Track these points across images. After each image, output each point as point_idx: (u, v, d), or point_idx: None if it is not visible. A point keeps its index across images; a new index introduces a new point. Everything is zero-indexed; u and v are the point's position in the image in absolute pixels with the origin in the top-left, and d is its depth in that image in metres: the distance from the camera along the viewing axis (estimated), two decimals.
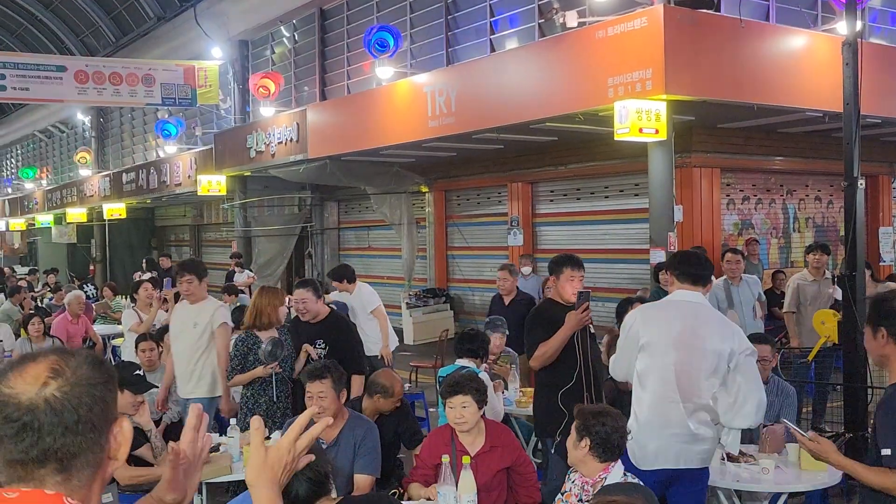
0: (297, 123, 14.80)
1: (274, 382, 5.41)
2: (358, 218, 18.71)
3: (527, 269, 11.26)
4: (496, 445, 4.13)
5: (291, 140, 15.00)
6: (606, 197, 13.05)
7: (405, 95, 12.40)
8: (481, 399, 4.11)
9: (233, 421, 4.84)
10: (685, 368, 4.06)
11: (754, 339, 4.73)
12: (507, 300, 8.51)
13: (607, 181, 12.96)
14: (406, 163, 15.47)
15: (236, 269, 15.23)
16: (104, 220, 24.28)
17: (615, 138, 9.17)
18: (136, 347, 6.59)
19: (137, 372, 5.01)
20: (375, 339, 8.44)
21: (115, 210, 22.80)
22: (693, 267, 4.29)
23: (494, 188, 14.98)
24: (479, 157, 14.44)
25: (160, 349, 6.71)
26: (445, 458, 3.73)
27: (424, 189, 16.19)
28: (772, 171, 12.50)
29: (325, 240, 19.40)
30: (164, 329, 7.12)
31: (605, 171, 12.73)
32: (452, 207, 16.10)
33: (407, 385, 8.39)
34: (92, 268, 26.27)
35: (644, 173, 12.05)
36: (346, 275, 8.60)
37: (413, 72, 12.83)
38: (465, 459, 3.72)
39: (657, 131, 9.05)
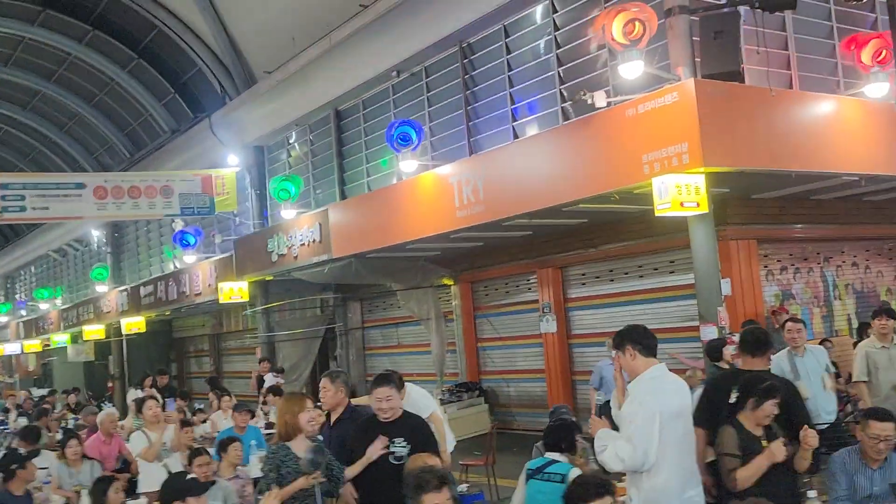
0: (319, 224, 14.70)
1: (317, 494, 5.03)
2: (382, 316, 18.44)
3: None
4: None
5: (314, 241, 14.87)
6: (641, 276, 12.80)
7: (430, 187, 12.31)
8: None
9: None
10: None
11: (874, 415, 4.59)
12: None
13: (641, 260, 12.74)
14: (431, 256, 15.30)
15: (272, 373, 14.86)
16: (122, 336, 24.04)
17: (656, 214, 8.99)
18: (191, 464, 6.26)
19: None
20: None
21: (134, 324, 22.59)
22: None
23: (523, 275, 14.76)
24: (506, 246, 14.27)
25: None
26: None
27: (449, 282, 15.97)
28: (808, 239, 12.28)
29: (349, 340, 19.08)
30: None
31: (638, 250, 12.53)
32: (480, 298, 15.85)
33: (464, 486, 7.97)
34: (110, 385, 25.88)
35: (679, 249, 11.94)
36: (393, 381, 8.26)
37: (436, 164, 12.78)
38: None
39: (698, 204, 8.86)
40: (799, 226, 12.05)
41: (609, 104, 9.72)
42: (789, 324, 7.67)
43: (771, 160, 9.19)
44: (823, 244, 12.51)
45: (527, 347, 14.59)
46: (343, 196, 16.24)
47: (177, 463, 7.35)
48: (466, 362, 15.89)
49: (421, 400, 8.65)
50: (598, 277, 13.53)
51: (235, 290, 17.35)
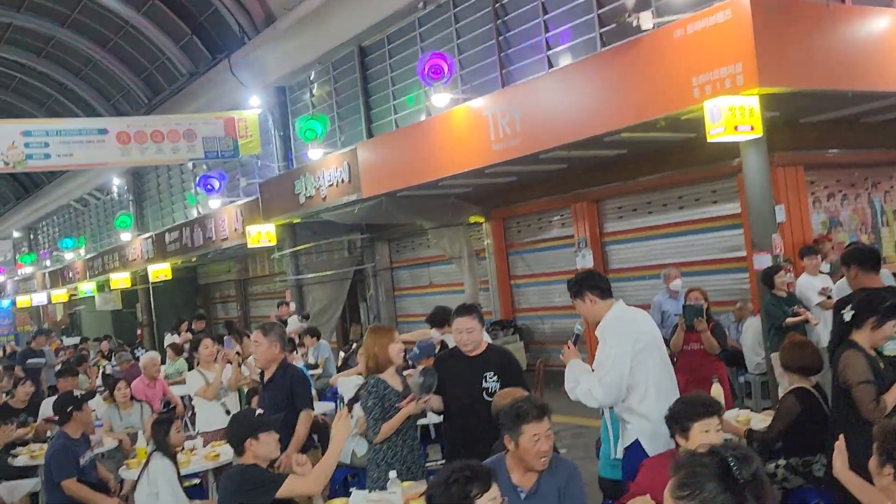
0: (348, 163, 14.42)
1: (416, 426, 4.87)
2: (411, 256, 18.24)
3: (677, 283, 10.50)
4: None
5: (343, 181, 14.61)
6: (681, 208, 12.47)
7: (464, 121, 11.97)
8: None
9: (392, 474, 4.29)
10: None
11: None
12: None
13: (681, 191, 12.40)
14: (462, 193, 15.01)
15: (296, 316, 14.69)
16: (148, 284, 24.02)
17: (708, 140, 8.65)
18: (250, 403, 6.14)
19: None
20: None
21: (160, 271, 22.51)
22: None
23: (556, 211, 14.46)
24: (540, 180, 13.94)
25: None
26: None
27: (480, 219, 15.70)
28: (855, 164, 11.89)
29: (378, 281, 18.92)
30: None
31: (678, 180, 12.18)
32: (512, 235, 15.59)
33: None
34: (139, 332, 25.98)
35: (723, 178, 11.63)
36: (446, 318, 8.06)
37: (468, 97, 12.41)
38: None
39: (752, 128, 8.51)
40: (846, 151, 11.64)
41: (655, 26, 9.32)
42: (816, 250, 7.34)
43: (828, 79, 8.78)
44: (871, 169, 12.12)
45: (563, 284, 14.23)
46: (370, 135, 15.91)
47: (234, 402, 7.23)
48: (500, 300, 15.70)
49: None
50: (635, 210, 13.22)
51: (263, 234, 17.16)
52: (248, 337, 13.29)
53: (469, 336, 5.03)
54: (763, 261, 8.98)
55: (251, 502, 3.82)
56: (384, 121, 15.62)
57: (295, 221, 17.05)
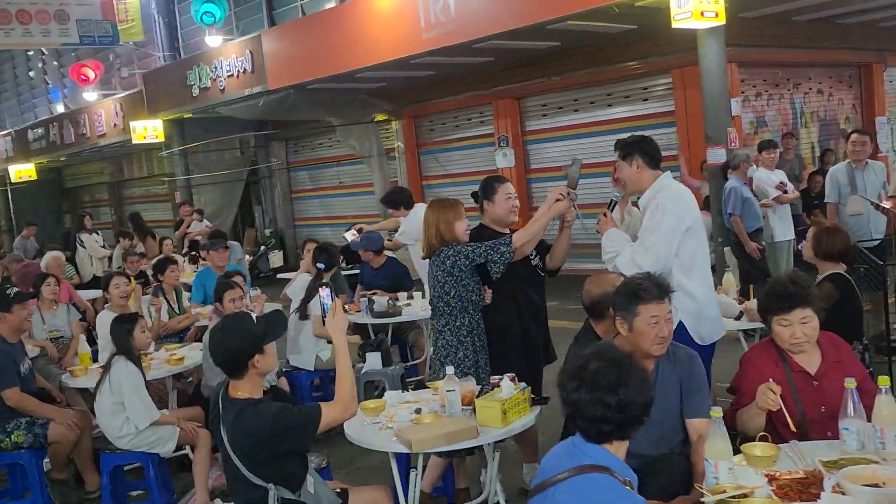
0: (251, 52, 13.26)
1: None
2: (312, 156, 17.30)
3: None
4: (838, 360, 3.24)
5: (245, 71, 13.47)
6: (610, 105, 12.17)
7: (390, 6, 11.11)
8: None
9: (450, 370, 3.73)
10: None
11: None
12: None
13: (610, 88, 12.07)
14: (374, 89, 14.16)
15: (196, 215, 13.59)
16: (7, 186, 21.93)
17: (673, 25, 8.27)
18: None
19: None
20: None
21: (23, 172, 20.52)
22: None
23: (475, 108, 13.89)
24: (458, 77, 13.27)
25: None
26: (851, 383, 2.80)
27: (384, 117, 14.93)
28: (779, 64, 11.89)
29: (274, 183, 17.91)
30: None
31: (607, 76, 11.83)
32: (425, 134, 14.94)
33: None
34: None
35: (655, 74, 11.37)
36: (403, 200, 7.44)
37: None
38: (884, 381, 2.78)
39: (716, 15, 8.20)
40: (775, 49, 11.59)
41: None
42: (854, 136, 7.15)
43: None
44: (793, 70, 12.17)
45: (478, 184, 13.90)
46: (272, 21, 14.69)
47: None
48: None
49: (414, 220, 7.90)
50: (560, 108, 12.83)
51: (150, 130, 15.77)
52: (153, 236, 12.28)
53: (517, 202, 4.53)
54: (717, 154, 8.80)
55: (288, 450, 3.09)
56: (289, 6, 14.41)
57: (186, 116, 15.73)
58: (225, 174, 16.94)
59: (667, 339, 3.07)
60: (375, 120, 14.83)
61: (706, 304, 4.05)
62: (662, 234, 3.99)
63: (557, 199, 4.25)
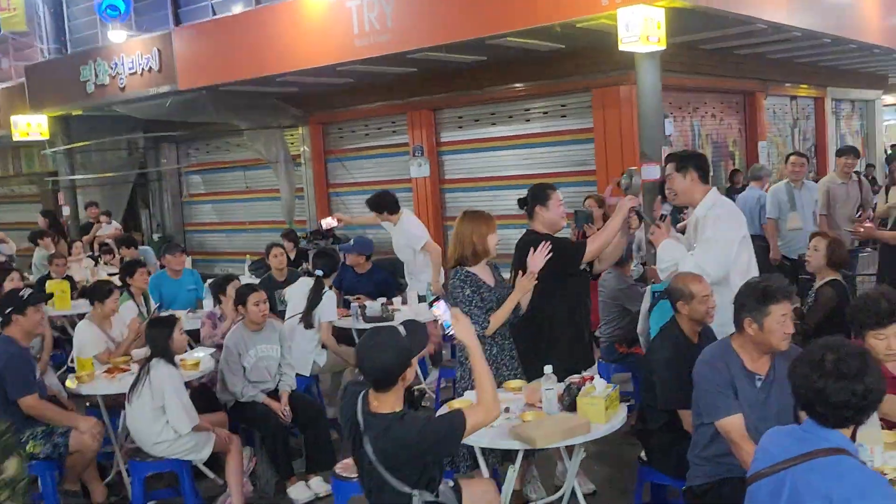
0: (159, 50, 12.79)
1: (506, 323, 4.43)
2: (205, 160, 16.79)
3: None
4: None
5: (151, 70, 12.97)
6: (528, 120, 12.60)
7: (320, 11, 11.07)
8: None
9: (548, 368, 3.88)
10: None
11: None
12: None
13: (529, 103, 12.50)
14: (284, 93, 13.97)
15: (104, 217, 12.93)
16: None
17: (619, 48, 8.73)
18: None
19: None
20: (421, 276, 7.49)
21: None
22: None
23: (389, 117, 13.98)
24: (371, 85, 13.33)
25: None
26: None
27: (293, 122, 14.76)
28: (685, 88, 12.71)
29: (164, 186, 17.25)
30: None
31: (527, 92, 12.25)
32: (333, 141, 14.87)
33: None
34: None
35: (576, 92, 11.89)
36: (386, 205, 7.53)
37: None
38: None
39: (659, 40, 8.75)
40: (680, 74, 12.37)
41: None
42: (793, 157, 7.89)
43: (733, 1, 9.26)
44: (694, 94, 13.05)
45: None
46: (177, 20, 14.20)
47: None
48: (317, 208, 15.01)
49: (418, 227, 8.01)
50: (477, 121, 13.13)
51: (33, 126, 14.85)
52: (66, 238, 11.59)
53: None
54: (652, 171, 9.33)
55: (436, 458, 3.13)
56: (197, 6, 13.99)
57: (75, 113, 14.91)
58: (113, 176, 16.16)
59: (790, 335, 3.36)
60: (286, 125, 14.63)
61: None
62: (724, 243, 4.32)
63: (631, 207, 4.50)
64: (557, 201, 4.75)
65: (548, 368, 3.91)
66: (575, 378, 4.07)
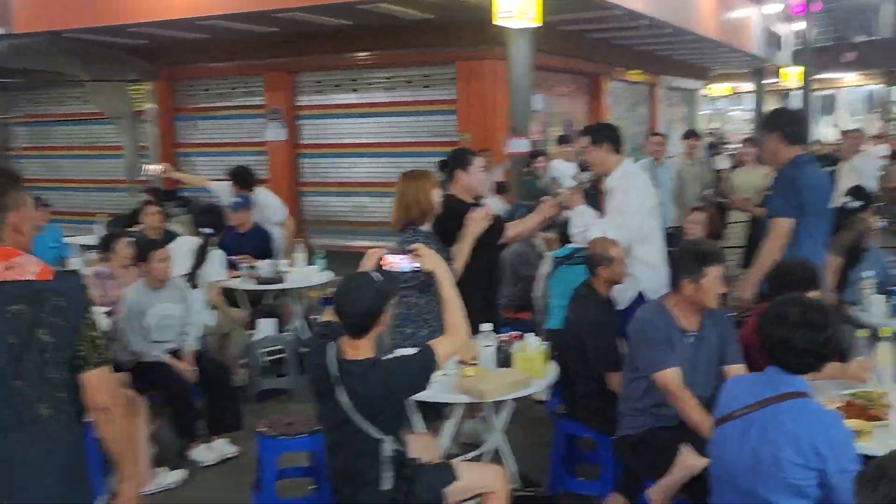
0: None
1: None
2: (36, 111, 15.59)
3: None
4: None
5: None
6: (390, 89, 12.61)
7: None
8: None
9: (486, 326, 3.98)
10: None
11: None
12: None
13: (392, 72, 12.51)
14: (133, 45, 13.19)
15: None
16: None
17: (495, 22, 8.95)
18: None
19: None
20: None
21: None
22: None
23: (244, 77, 13.55)
24: (227, 43, 12.86)
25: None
26: None
27: (140, 77, 14.00)
28: (543, 67, 13.09)
29: None
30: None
31: (390, 61, 12.27)
32: (183, 99, 14.24)
33: None
34: None
35: (439, 64, 12.03)
36: (247, 179, 7.45)
37: None
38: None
39: (534, 17, 9.03)
40: (540, 54, 12.78)
41: None
42: (654, 137, 8.39)
43: None
44: (550, 74, 13.50)
45: (246, 156, 13.59)
46: None
47: None
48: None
49: (275, 202, 7.92)
50: (338, 86, 13.00)
51: None
52: None
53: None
54: (521, 144, 9.65)
55: (409, 397, 3.23)
56: None
57: None
58: None
59: (721, 294, 3.65)
60: (132, 79, 13.84)
61: (664, 274, 4.73)
62: (632, 212, 4.61)
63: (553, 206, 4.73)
64: (478, 167, 4.86)
65: (486, 326, 4.04)
66: (503, 336, 4.24)
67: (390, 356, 3.30)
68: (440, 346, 3.18)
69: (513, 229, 4.80)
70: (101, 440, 2.49)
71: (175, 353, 5.05)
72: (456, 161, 4.85)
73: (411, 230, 4.34)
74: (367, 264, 3.40)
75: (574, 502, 4.30)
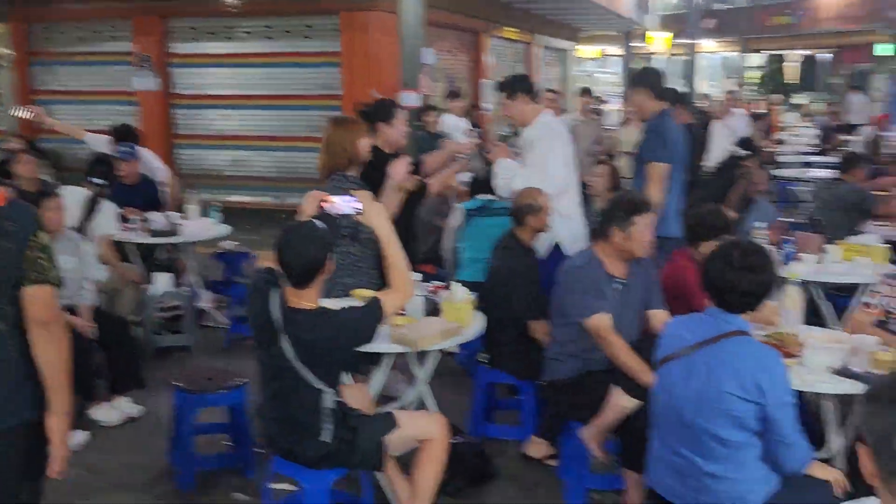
0: None
1: None
2: None
3: None
4: None
5: None
6: (269, 38, 12.18)
7: None
8: None
9: (417, 275, 3.93)
10: None
11: None
12: None
13: (270, 21, 12.08)
14: None
15: None
16: None
17: None
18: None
19: None
20: None
21: None
22: None
23: (109, 20, 12.75)
24: None
25: None
26: None
27: None
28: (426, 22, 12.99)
29: None
30: None
31: (267, 8, 11.82)
32: (39, 43, 13.28)
33: None
34: None
35: (321, 14, 11.71)
36: (130, 136, 7.06)
37: None
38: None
39: None
40: (427, 8, 12.63)
41: None
42: (549, 93, 8.50)
43: None
44: (434, 28, 13.33)
45: (113, 104, 12.87)
46: None
47: None
48: (18, 119, 13.35)
49: (157, 162, 7.57)
50: (213, 34, 12.43)
51: None
52: None
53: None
54: (411, 98, 9.56)
55: (356, 349, 3.15)
56: None
57: None
58: None
59: (648, 243, 3.76)
60: None
61: (578, 223, 4.83)
62: (558, 164, 4.67)
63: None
64: (402, 120, 4.78)
65: (416, 276, 4.00)
66: (428, 286, 4.21)
67: (336, 307, 3.22)
68: (389, 300, 3.15)
69: (435, 184, 4.76)
70: (37, 362, 2.47)
71: (71, 310, 4.74)
72: (379, 113, 4.74)
73: (340, 176, 4.24)
74: (306, 207, 3.30)
75: (495, 447, 4.36)
